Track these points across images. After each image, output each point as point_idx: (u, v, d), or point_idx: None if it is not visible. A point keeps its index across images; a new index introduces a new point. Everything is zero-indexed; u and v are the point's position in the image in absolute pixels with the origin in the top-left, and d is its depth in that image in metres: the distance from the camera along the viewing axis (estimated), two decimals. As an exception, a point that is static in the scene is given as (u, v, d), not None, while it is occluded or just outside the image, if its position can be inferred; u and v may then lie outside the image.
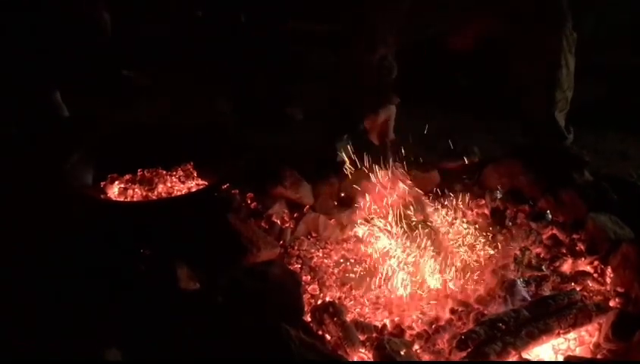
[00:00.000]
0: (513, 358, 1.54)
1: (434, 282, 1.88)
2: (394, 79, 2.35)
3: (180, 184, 2.32)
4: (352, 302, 1.82)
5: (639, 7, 3.88)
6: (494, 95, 3.23)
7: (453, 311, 1.76)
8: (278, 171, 2.26)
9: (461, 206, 2.21)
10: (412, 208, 2.11)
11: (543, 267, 1.91)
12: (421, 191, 2.20)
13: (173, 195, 2.25)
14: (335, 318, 1.65)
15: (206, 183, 2.32)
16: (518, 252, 1.96)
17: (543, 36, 2.39)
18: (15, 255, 2.11)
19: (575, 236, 2.03)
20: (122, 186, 2.29)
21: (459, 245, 2.03)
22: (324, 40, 3.51)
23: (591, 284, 1.85)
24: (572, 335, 1.65)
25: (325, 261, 1.99)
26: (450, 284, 1.86)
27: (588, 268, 1.91)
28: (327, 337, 1.64)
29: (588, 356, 1.62)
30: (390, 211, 2.10)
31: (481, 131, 3.05)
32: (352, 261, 2.00)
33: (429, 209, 2.18)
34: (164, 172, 2.37)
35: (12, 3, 2.91)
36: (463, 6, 2.36)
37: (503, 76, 2.83)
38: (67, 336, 1.71)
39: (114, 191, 2.29)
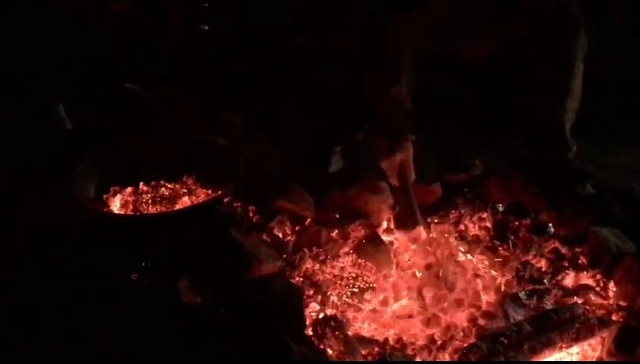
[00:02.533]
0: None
1: (436, 295, 1.88)
2: (408, 111, 2.23)
3: (183, 197, 2.33)
4: (353, 316, 1.81)
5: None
6: (496, 108, 3.24)
7: (455, 325, 1.75)
8: (280, 184, 2.27)
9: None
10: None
11: (545, 280, 1.90)
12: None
13: (176, 208, 2.26)
14: (337, 332, 1.64)
15: (209, 196, 2.33)
16: (520, 266, 1.96)
17: (560, 46, 2.41)
18: (17, 265, 2.13)
19: (577, 249, 2.02)
20: (124, 198, 2.30)
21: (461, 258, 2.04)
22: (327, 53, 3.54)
23: (593, 298, 1.84)
24: (574, 349, 1.64)
25: (327, 274, 1.99)
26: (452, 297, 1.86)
27: (591, 282, 1.90)
28: (329, 351, 1.63)
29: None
30: None
31: (482, 144, 3.05)
32: (355, 275, 1.99)
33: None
34: (167, 185, 2.39)
35: (20, 13, 2.95)
36: (479, 18, 2.36)
37: (508, 89, 2.84)
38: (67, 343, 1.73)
39: (116, 204, 2.30)
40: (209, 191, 2.37)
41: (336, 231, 2.15)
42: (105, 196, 2.32)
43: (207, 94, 3.57)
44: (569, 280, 1.92)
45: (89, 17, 3.13)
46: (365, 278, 1.97)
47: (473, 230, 2.19)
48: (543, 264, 1.99)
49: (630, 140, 3.11)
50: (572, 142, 2.58)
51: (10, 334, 1.83)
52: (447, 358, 1.64)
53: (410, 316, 1.80)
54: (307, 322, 1.72)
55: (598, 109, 3.31)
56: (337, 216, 2.22)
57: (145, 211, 2.25)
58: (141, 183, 2.37)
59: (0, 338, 1.82)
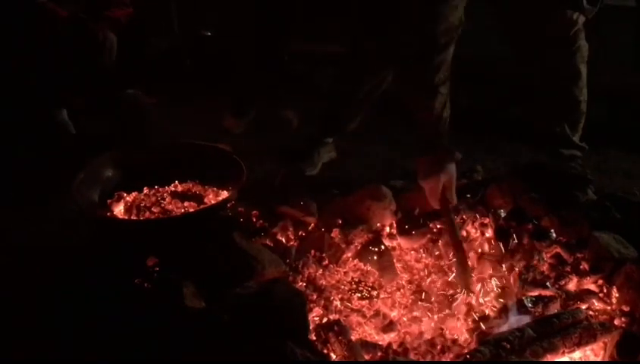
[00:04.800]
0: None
1: (438, 300, 1.88)
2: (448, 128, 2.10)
3: (186, 202, 2.33)
4: (357, 320, 1.82)
5: (640, 27, 3.95)
6: (497, 114, 3.27)
7: (457, 330, 1.76)
8: (283, 189, 2.28)
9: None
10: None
11: (547, 283, 1.90)
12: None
13: (179, 212, 2.26)
14: (340, 337, 1.65)
15: (212, 201, 2.33)
16: (522, 271, 1.96)
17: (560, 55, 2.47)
18: (21, 268, 2.14)
19: (579, 255, 2.02)
20: (128, 203, 2.31)
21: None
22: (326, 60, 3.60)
23: (596, 303, 1.85)
24: (577, 354, 1.65)
25: (330, 279, 1.99)
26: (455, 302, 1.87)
27: (593, 287, 1.91)
28: (333, 356, 1.64)
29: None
30: None
31: (484, 150, 3.06)
32: (357, 280, 2.00)
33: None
34: (171, 189, 2.39)
35: (19, 19, 2.96)
36: None
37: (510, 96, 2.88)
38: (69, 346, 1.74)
39: (120, 209, 2.31)
40: (213, 196, 2.38)
41: (339, 236, 2.16)
42: (108, 201, 2.32)
43: (208, 99, 3.59)
44: (571, 285, 1.92)
45: (89, 22, 3.14)
46: (367, 283, 1.98)
47: (475, 235, 2.20)
48: (545, 269, 2.00)
49: (631, 146, 3.13)
50: (582, 147, 2.64)
51: (11, 335, 1.84)
52: (450, 363, 1.64)
53: (413, 321, 1.80)
54: (310, 327, 1.73)
55: (600, 116, 3.34)
56: (340, 221, 2.22)
57: (149, 216, 2.25)
58: (145, 188, 2.38)
59: (0, 338, 1.83)
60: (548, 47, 2.47)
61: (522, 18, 2.46)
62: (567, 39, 2.46)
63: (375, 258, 2.06)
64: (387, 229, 2.24)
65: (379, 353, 1.66)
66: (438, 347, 1.69)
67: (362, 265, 2.07)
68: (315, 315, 1.82)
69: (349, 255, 2.11)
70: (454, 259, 1.98)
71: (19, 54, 3.00)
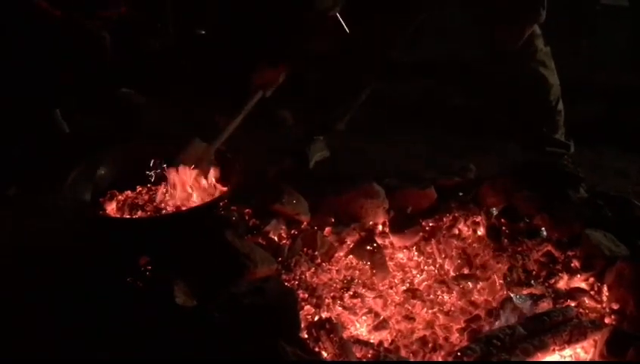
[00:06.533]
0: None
1: (430, 298, 1.89)
2: None
3: (179, 200, 2.33)
4: (348, 318, 1.82)
5: (636, 27, 3.95)
6: (489, 113, 3.26)
7: (448, 328, 1.76)
8: (276, 187, 2.28)
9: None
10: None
11: (532, 282, 1.90)
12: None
13: (172, 211, 2.26)
14: (331, 335, 1.65)
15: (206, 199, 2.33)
16: (513, 269, 1.97)
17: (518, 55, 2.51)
18: (15, 266, 2.13)
19: (570, 253, 2.03)
20: (121, 201, 2.31)
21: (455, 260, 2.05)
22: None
23: (587, 301, 1.85)
24: (567, 352, 1.65)
25: (322, 277, 1.99)
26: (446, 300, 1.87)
27: (584, 285, 1.92)
28: (324, 354, 1.64)
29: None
30: None
31: (476, 149, 3.07)
32: (349, 278, 2.00)
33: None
34: (163, 188, 2.39)
35: (14, 20, 2.96)
36: None
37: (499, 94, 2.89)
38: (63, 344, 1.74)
39: (112, 207, 2.30)
40: (206, 194, 2.37)
41: (331, 235, 2.16)
42: (101, 199, 2.32)
43: (201, 97, 3.59)
44: (562, 283, 1.93)
45: (82, 21, 3.13)
46: (359, 281, 1.98)
47: (467, 233, 2.20)
48: (536, 267, 2.00)
49: (624, 145, 3.13)
50: (568, 142, 2.65)
51: (9, 334, 1.84)
52: (441, 360, 1.65)
53: (404, 319, 1.81)
54: (302, 325, 1.73)
55: (593, 115, 3.35)
56: (333, 220, 2.23)
57: (142, 215, 2.25)
58: (138, 187, 2.37)
59: (0, 338, 1.83)
60: (506, 55, 2.54)
61: (482, 30, 2.62)
62: (522, 45, 2.52)
63: (368, 256, 2.06)
64: (380, 227, 2.24)
65: (371, 351, 1.66)
66: (430, 345, 1.69)
67: (354, 263, 2.07)
68: (306, 313, 1.82)
69: (342, 253, 2.11)
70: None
71: (19, 54, 3.00)
